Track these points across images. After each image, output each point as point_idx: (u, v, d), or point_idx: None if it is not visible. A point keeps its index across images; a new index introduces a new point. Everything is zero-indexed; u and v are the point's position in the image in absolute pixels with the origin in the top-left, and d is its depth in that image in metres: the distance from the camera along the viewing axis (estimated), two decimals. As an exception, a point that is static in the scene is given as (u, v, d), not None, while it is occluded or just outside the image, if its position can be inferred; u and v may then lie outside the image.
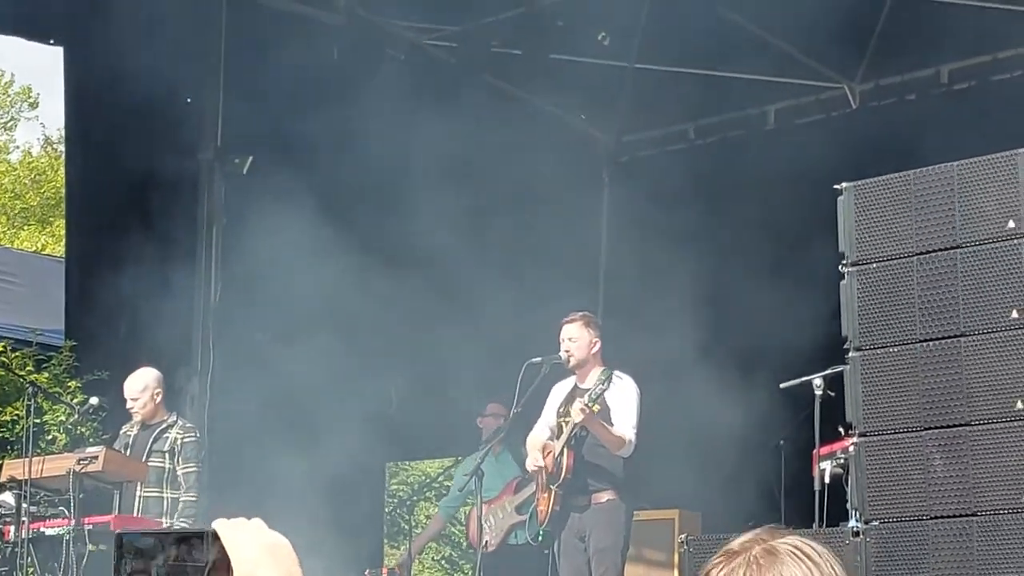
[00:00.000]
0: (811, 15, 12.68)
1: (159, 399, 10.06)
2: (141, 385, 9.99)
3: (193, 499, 9.74)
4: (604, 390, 8.92)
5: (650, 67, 14.32)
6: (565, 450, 9.08)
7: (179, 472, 9.84)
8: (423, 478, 26.17)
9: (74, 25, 11.94)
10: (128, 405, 10.00)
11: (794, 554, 2.31)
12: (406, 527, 22.99)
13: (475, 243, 12.92)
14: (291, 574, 1.87)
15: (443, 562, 29.70)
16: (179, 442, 9.89)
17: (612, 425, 9.00)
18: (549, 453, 9.18)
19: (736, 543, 2.37)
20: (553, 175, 14.01)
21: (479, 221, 13.28)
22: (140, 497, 9.82)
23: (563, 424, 9.14)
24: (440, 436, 14.93)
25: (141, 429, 10.02)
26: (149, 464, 9.87)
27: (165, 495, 9.78)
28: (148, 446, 9.91)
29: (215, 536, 1.83)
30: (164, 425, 9.99)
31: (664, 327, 13.42)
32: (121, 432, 10.23)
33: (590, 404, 8.80)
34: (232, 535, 1.84)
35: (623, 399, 9.10)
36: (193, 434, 9.98)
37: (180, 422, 10.09)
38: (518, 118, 14.36)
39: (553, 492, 9.12)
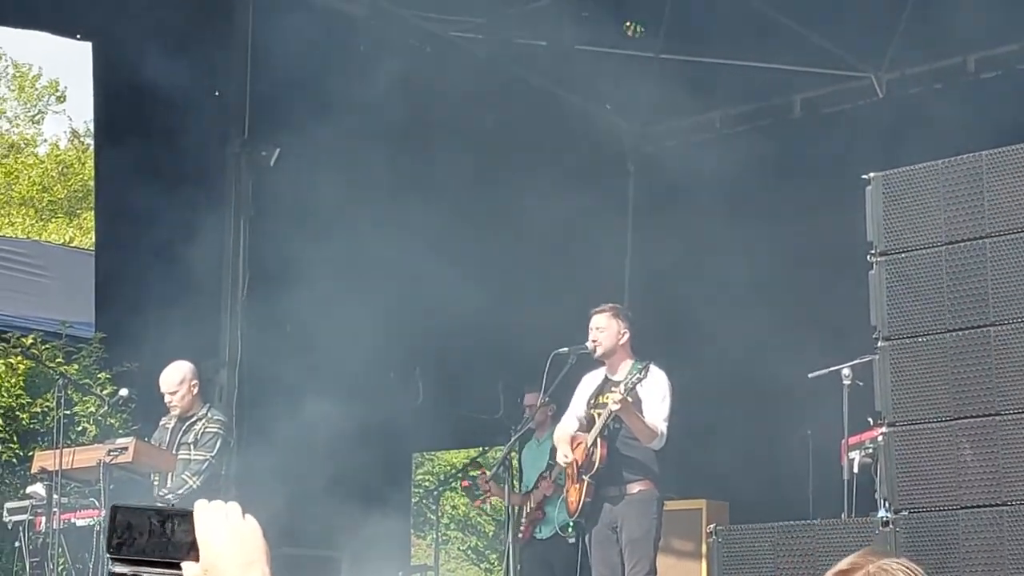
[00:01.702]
0: (837, 4, 12.68)
1: (196, 391, 10.06)
2: (178, 378, 9.99)
3: (188, 485, 9.72)
4: (641, 379, 8.90)
5: (675, 57, 14.31)
6: (598, 440, 9.06)
7: (192, 458, 9.84)
8: (449, 469, 26.20)
9: (102, 20, 11.97)
10: (166, 399, 10.00)
11: (906, 573, 2.44)
12: (432, 517, 23.04)
13: (499, 233, 12.95)
14: (253, 560, 1.89)
15: (469, 552, 29.74)
16: (201, 432, 9.90)
17: (643, 415, 9.00)
18: (579, 444, 9.16)
19: (846, 563, 2.49)
20: (578, 165, 14.03)
21: (503, 212, 13.31)
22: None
23: (595, 415, 9.12)
24: (466, 427, 14.95)
25: (178, 422, 10.03)
26: (180, 457, 9.89)
27: (168, 486, 9.79)
28: (178, 439, 9.93)
29: (192, 517, 1.88)
30: (196, 417, 10.01)
31: (690, 316, 13.44)
32: (160, 425, 10.24)
33: (626, 394, 8.80)
34: (203, 518, 1.88)
35: (655, 392, 9.09)
36: (217, 425, 9.96)
37: (209, 414, 10.09)
38: (543, 109, 14.37)
39: (585, 483, 9.09)
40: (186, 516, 1.88)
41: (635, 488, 9.09)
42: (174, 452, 9.88)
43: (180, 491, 9.57)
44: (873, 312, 7.84)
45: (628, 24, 13.57)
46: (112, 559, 1.86)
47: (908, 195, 7.79)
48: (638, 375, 8.87)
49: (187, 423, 9.96)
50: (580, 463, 9.11)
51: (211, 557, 1.86)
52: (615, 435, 9.11)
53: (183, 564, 1.86)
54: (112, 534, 1.87)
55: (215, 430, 9.93)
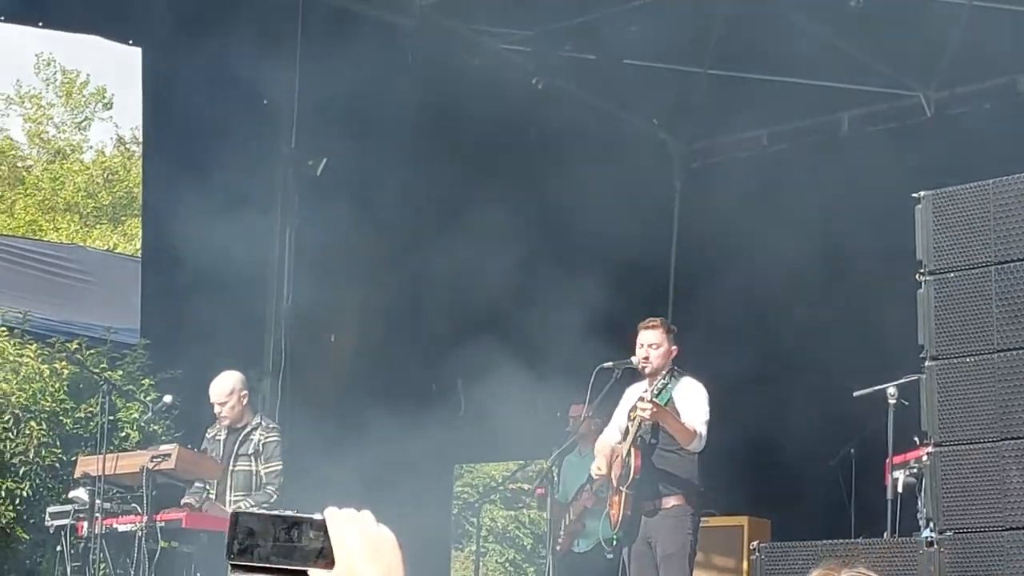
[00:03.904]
0: (887, 22, 12.64)
1: (245, 401, 10.09)
2: (228, 388, 10.01)
3: (271, 492, 9.77)
4: (667, 384, 8.95)
5: (723, 73, 14.30)
6: (632, 450, 9.06)
7: (262, 472, 9.87)
8: (488, 481, 26.22)
9: (152, 26, 12.03)
10: (216, 409, 10.02)
11: None
12: (471, 529, 23.04)
13: (543, 246, 12.94)
14: (392, 569, 1.86)
15: (507, 564, 29.73)
16: (262, 443, 9.92)
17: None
18: (617, 458, 9.17)
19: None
20: (625, 180, 14.01)
21: (547, 225, 13.30)
22: (231, 501, 9.85)
23: (630, 427, 9.13)
24: (507, 439, 14.94)
25: (229, 433, 10.04)
26: (236, 468, 9.91)
27: (252, 499, 9.81)
28: (235, 451, 9.94)
29: (324, 524, 1.84)
30: (249, 428, 10.02)
31: (734, 334, 13.40)
32: (207, 436, 10.24)
33: (653, 397, 8.82)
34: (338, 525, 1.85)
35: (692, 397, 9.10)
36: (276, 434, 9.99)
37: (264, 423, 10.12)
38: (591, 123, 14.37)
39: (624, 494, 9.09)
40: (315, 523, 1.84)
41: (670, 503, 9.08)
42: (231, 463, 9.89)
43: (265, 504, 9.58)
44: (921, 331, 7.79)
45: None
46: (232, 566, 1.83)
47: (958, 214, 7.74)
48: (668, 379, 8.92)
49: (242, 433, 9.98)
50: (619, 475, 9.10)
51: (350, 565, 1.83)
52: (651, 447, 9.11)
53: (311, 572, 1.83)
54: (233, 540, 1.82)
55: (276, 439, 9.97)
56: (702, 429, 8.99)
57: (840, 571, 2.44)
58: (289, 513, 1.84)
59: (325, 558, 1.82)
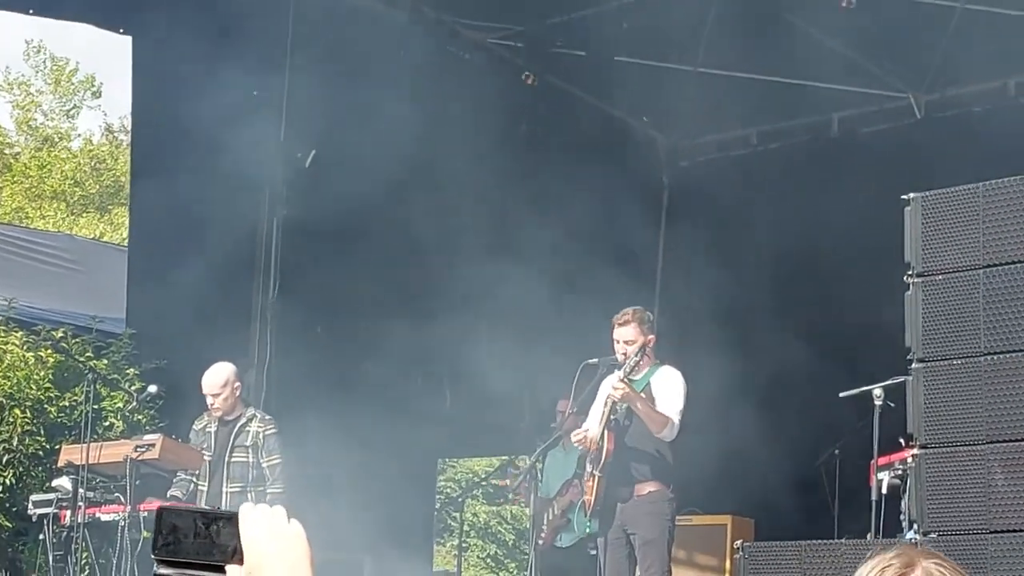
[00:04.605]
0: (878, 24, 12.64)
1: (238, 393, 10.06)
2: (222, 380, 9.97)
3: (280, 491, 9.73)
4: (638, 362, 8.91)
5: (714, 71, 14.30)
6: (606, 433, 9.02)
7: (264, 465, 9.84)
8: (471, 476, 26.23)
9: (143, 14, 12.01)
10: (209, 401, 9.98)
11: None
12: (454, 525, 23.06)
13: (529, 240, 12.93)
14: (297, 565, 1.88)
15: (488, 560, 29.74)
16: (261, 436, 9.89)
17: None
18: (591, 441, 9.12)
19: (893, 570, 2.49)
20: (613, 177, 14.01)
21: (535, 220, 13.29)
22: (226, 493, 9.82)
23: (605, 409, 9.09)
24: (492, 434, 14.94)
25: (221, 425, 10.01)
26: (233, 460, 9.88)
27: (249, 490, 9.78)
28: (231, 442, 9.91)
29: (236, 520, 1.88)
30: (244, 420, 9.98)
31: (720, 333, 13.40)
32: (195, 428, 10.20)
33: (627, 376, 8.81)
34: (249, 522, 1.87)
35: (669, 385, 9.06)
36: (274, 427, 9.97)
37: (259, 415, 10.09)
38: (579, 119, 14.36)
39: (597, 478, 9.05)
40: (231, 519, 1.88)
41: (645, 489, 9.04)
42: (226, 454, 9.86)
43: (277, 500, 9.54)
44: (908, 333, 7.80)
45: None
46: (157, 561, 1.87)
47: (947, 217, 7.75)
48: (638, 358, 8.88)
49: (236, 425, 9.95)
50: (592, 457, 9.08)
51: (255, 560, 1.86)
52: (624, 430, 9.07)
53: (227, 568, 1.86)
54: (158, 535, 1.87)
55: (275, 431, 9.94)
56: (675, 417, 8.93)
57: (920, 559, 2.43)
58: (207, 508, 1.88)
59: (237, 554, 1.87)
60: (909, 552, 2.47)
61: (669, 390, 9.05)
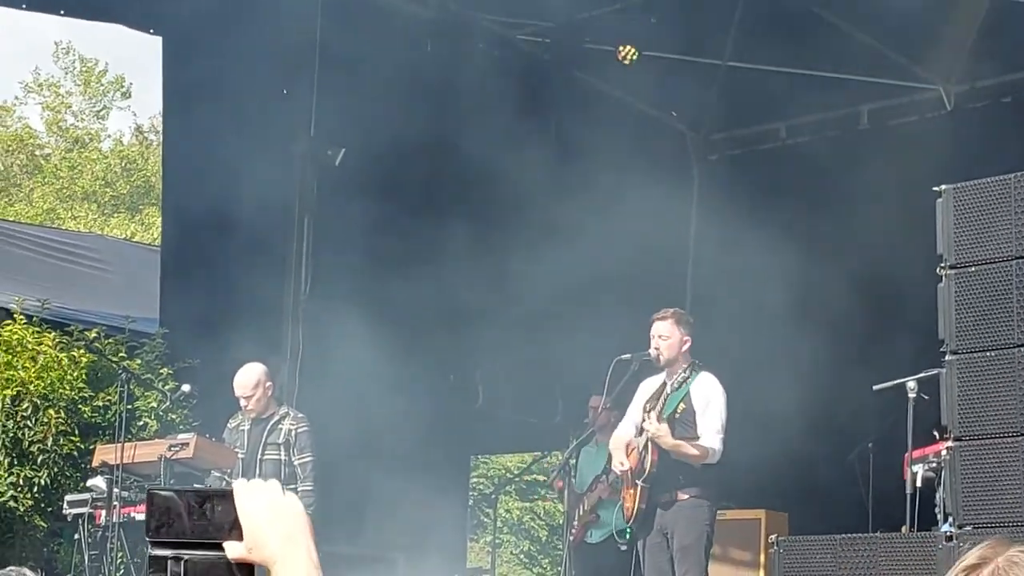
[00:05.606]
0: (907, 16, 12.59)
1: (271, 392, 10.09)
2: (254, 380, 9.98)
3: (310, 488, 9.74)
4: (687, 378, 8.95)
5: (742, 65, 14.26)
6: (649, 445, 9.04)
7: (296, 463, 9.85)
8: (503, 472, 26.22)
9: (174, 15, 12.05)
10: (241, 402, 10.01)
11: None
12: (487, 521, 23.05)
13: (558, 238, 12.93)
14: (294, 534, 1.90)
15: (522, 555, 29.72)
16: (293, 433, 9.90)
17: (695, 426, 8.97)
18: (633, 450, 9.15)
19: (973, 557, 2.45)
20: (643, 172, 13.99)
21: (564, 217, 13.28)
22: None
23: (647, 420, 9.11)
24: (524, 430, 14.95)
25: (254, 424, 10.04)
26: (265, 458, 9.90)
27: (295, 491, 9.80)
28: (263, 440, 9.93)
29: (232, 496, 1.89)
30: (276, 418, 10.00)
31: (752, 327, 13.39)
32: (229, 427, 10.23)
33: (675, 389, 8.85)
34: (244, 496, 1.89)
35: (709, 404, 9.05)
36: (306, 424, 9.98)
37: (291, 413, 10.11)
38: (608, 114, 14.34)
39: (639, 487, 9.07)
40: (225, 496, 1.89)
41: (685, 495, 9.05)
42: (259, 452, 9.88)
43: (306, 502, 9.54)
44: (941, 325, 7.78)
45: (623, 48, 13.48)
46: (151, 543, 1.88)
47: (979, 208, 7.72)
48: (684, 374, 8.91)
49: (269, 423, 9.96)
50: (634, 468, 9.09)
51: (252, 533, 1.88)
52: None
53: (225, 544, 1.88)
54: (150, 517, 1.88)
55: (307, 429, 9.96)
56: (716, 444, 8.95)
57: (1003, 550, 2.43)
58: (200, 487, 1.89)
59: (235, 529, 1.87)
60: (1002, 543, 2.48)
61: (710, 408, 9.04)
